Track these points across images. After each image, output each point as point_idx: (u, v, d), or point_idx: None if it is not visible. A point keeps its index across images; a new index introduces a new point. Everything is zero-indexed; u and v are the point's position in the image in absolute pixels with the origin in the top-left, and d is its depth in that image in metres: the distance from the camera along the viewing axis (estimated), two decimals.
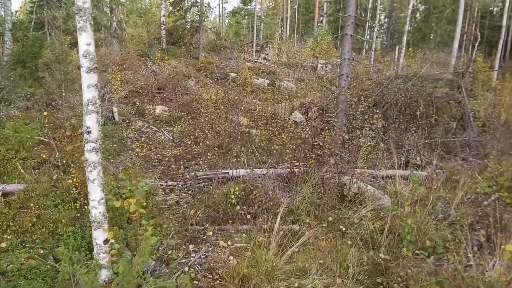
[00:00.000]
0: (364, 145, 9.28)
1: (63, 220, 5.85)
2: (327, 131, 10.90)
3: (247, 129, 12.84)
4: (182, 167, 9.27)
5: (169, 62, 20.81)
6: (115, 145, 9.69)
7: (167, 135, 11.93)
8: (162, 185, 8.31)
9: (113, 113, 11.27)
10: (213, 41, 29.09)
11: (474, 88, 16.23)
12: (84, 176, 5.69)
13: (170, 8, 25.88)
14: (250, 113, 14.87)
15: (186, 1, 25.64)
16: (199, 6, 24.70)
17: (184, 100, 16.21)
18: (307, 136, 10.34)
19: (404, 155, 10.07)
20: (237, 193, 7.03)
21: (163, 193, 8.00)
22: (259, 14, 31.94)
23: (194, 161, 9.96)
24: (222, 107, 14.07)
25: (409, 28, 23.37)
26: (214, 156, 9.90)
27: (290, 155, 8.90)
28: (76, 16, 4.12)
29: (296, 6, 49.19)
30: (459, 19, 21.77)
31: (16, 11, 27.80)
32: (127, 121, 11.83)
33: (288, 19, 40.68)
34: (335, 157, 9.39)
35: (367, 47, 35.22)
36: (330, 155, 9.25)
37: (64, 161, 7.87)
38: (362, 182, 7.84)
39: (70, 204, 6.33)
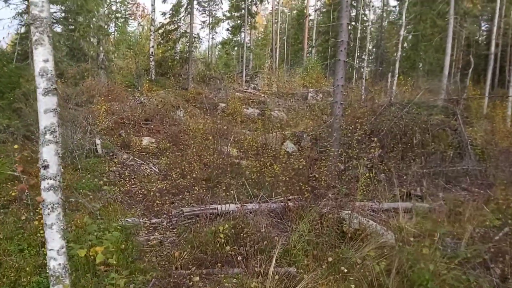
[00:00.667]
0: (363, 176, 8.69)
1: (27, 268, 5.10)
2: (322, 161, 10.33)
3: (237, 161, 12.25)
4: (167, 202, 8.57)
5: (157, 93, 20.37)
6: (95, 179, 8.99)
7: (153, 168, 11.28)
8: (145, 222, 7.59)
9: (95, 146, 10.62)
10: (203, 72, 28.89)
11: (468, 115, 15.94)
12: None
13: (160, 39, 25.66)
14: (240, 143, 14.32)
15: (175, 32, 25.46)
16: (188, 37, 24.51)
17: (171, 131, 15.64)
18: (300, 167, 9.75)
19: (405, 186, 9.51)
20: (227, 231, 6.36)
21: (146, 232, 7.28)
22: (249, 44, 31.89)
23: (180, 196, 9.29)
24: (211, 138, 13.51)
25: (399, 56, 23.31)
26: (202, 190, 9.24)
27: (284, 187, 8.28)
28: (32, 28, 3.54)
29: (285, 37, 49.77)
30: (448, 47, 21.79)
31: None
32: (111, 153, 11.17)
33: (278, 50, 40.91)
34: (332, 190, 8.80)
35: (357, 76, 35.31)
36: (327, 187, 8.65)
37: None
38: (362, 216, 7.21)
39: (37, 249, 5.60)
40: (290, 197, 7.83)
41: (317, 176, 8.78)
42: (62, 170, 3.98)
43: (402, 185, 9.48)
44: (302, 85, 30.12)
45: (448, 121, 13.83)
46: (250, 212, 7.33)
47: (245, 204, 7.53)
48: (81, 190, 8.39)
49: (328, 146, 11.63)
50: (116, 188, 9.09)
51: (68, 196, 7.28)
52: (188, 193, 9.13)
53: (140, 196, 9.13)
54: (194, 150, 12.23)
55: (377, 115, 13.01)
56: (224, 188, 9.03)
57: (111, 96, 16.88)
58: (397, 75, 23.39)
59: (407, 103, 13.93)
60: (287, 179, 8.81)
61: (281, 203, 7.78)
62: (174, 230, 7.33)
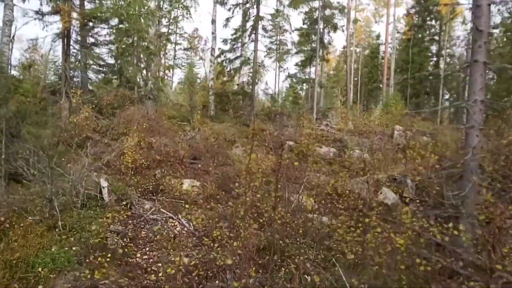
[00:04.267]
0: None
1: None
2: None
3: (313, 215, 8.07)
4: None
5: (212, 127, 16.99)
6: (74, 248, 5.29)
7: (186, 224, 7.44)
8: None
9: (101, 189, 7.05)
10: (268, 108, 25.56)
11: None
12: None
13: (219, 68, 22.75)
14: (315, 190, 10.20)
15: (237, 60, 22.45)
16: (252, 65, 21.30)
17: (223, 172, 11.92)
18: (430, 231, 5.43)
19: None
20: None
21: None
22: (320, 79, 28.29)
23: (217, 279, 5.31)
24: (274, 181, 9.57)
25: None
26: (254, 272, 5.20)
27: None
28: None
29: (358, 77, 45.93)
30: None
31: None
32: (125, 201, 7.51)
33: (352, 88, 37.03)
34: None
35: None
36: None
37: None
38: None
39: None
40: None
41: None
42: None
43: None
44: (383, 123, 25.77)
45: None
46: None
47: None
48: (31, 269, 4.70)
49: (456, 196, 7.21)
50: (111, 261, 5.30)
51: None
52: (230, 274, 5.13)
53: (151, 280, 5.24)
54: (249, 198, 8.31)
55: None
56: (295, 270, 4.93)
57: (152, 129, 13.64)
58: None
59: None
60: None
61: None
62: None
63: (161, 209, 7.76)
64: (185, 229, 7.32)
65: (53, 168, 5.84)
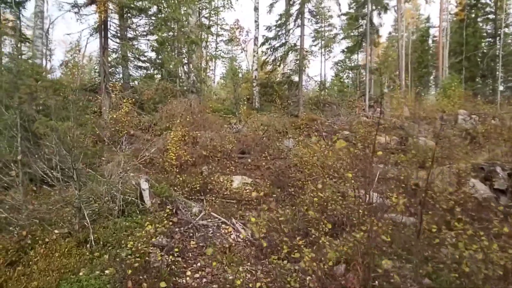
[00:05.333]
0: None
1: None
2: None
3: (404, 218, 6.58)
4: None
5: (259, 119, 15.74)
6: (106, 271, 4.17)
7: (241, 230, 6.22)
8: None
9: (141, 192, 5.93)
10: (315, 97, 24.01)
11: None
12: None
13: (264, 57, 21.44)
14: (393, 185, 8.74)
15: (282, 47, 21.00)
16: (298, 51, 19.82)
17: (276, 167, 10.65)
18: None
19: None
20: None
21: None
22: (370, 65, 26.42)
23: None
24: (340, 175, 8.22)
25: None
26: None
27: None
28: None
29: (408, 62, 43.34)
30: None
31: None
32: (170, 205, 6.37)
33: (403, 72, 34.69)
34: None
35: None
36: None
37: None
38: None
39: None
40: None
41: None
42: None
43: None
44: (443, 108, 23.61)
45: None
46: None
47: None
48: None
49: None
50: (155, 284, 4.14)
51: None
52: None
53: None
54: (313, 197, 6.99)
55: None
56: None
57: (197, 123, 12.55)
58: None
59: None
60: None
61: None
62: None
63: (212, 213, 6.57)
64: (241, 236, 6.09)
65: (78, 169, 4.78)
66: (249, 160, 11.28)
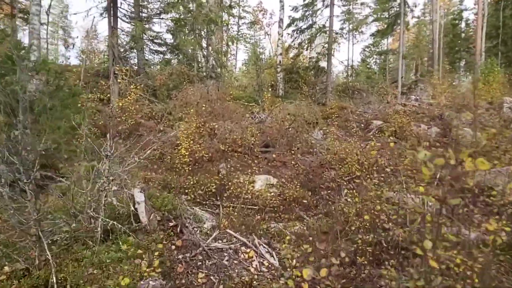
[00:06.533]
0: None
1: None
2: None
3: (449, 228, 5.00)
4: None
5: (284, 108, 14.20)
6: None
7: (265, 255, 4.77)
8: None
9: (135, 206, 4.49)
10: (344, 84, 22.30)
11: None
12: None
13: (289, 41, 19.81)
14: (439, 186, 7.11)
15: (310, 29, 19.29)
16: (328, 33, 18.08)
17: (306, 164, 9.14)
18: None
19: None
20: None
21: None
22: (403, 49, 24.48)
23: None
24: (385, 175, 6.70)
25: None
26: None
27: None
28: None
29: (440, 45, 40.90)
30: None
31: None
32: (174, 221, 4.93)
33: (439, 57, 32.50)
34: None
35: None
36: None
37: None
38: None
39: None
40: None
41: None
42: None
43: None
44: (483, 96, 21.58)
45: None
46: None
47: None
48: None
49: None
50: None
51: None
52: None
53: None
54: (356, 203, 5.52)
55: None
56: None
57: (215, 112, 11.13)
58: None
59: None
60: None
61: None
62: None
63: (228, 230, 5.13)
64: (266, 266, 4.64)
65: (36, 179, 3.40)
66: (274, 155, 9.81)
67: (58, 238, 3.69)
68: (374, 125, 15.62)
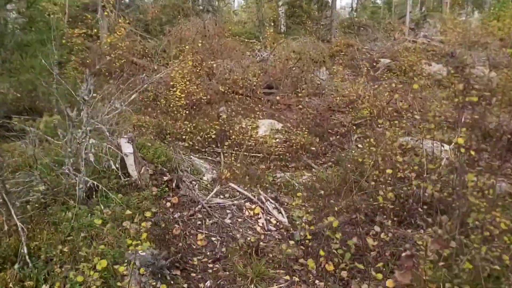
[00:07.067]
0: None
1: None
2: None
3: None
4: None
5: (287, 45, 13.24)
6: None
7: (273, 211, 4.26)
8: None
9: (123, 157, 3.87)
10: (349, 19, 21.07)
11: None
12: None
13: None
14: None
15: None
16: None
17: (312, 107, 8.48)
18: None
19: None
20: None
21: None
22: None
23: None
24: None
25: None
26: None
27: None
28: None
29: None
30: None
31: None
32: (170, 176, 4.33)
33: None
34: None
35: None
36: None
37: None
38: None
39: None
40: None
41: None
42: None
43: None
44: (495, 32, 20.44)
45: None
46: None
47: None
48: None
49: None
50: None
51: None
52: None
53: None
54: (374, 152, 4.94)
55: None
56: None
57: (213, 50, 10.26)
58: None
59: None
60: None
61: None
62: None
63: (231, 184, 4.57)
64: (273, 220, 4.13)
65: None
66: (278, 97, 9.11)
67: (31, 199, 3.13)
68: (382, 63, 14.78)
